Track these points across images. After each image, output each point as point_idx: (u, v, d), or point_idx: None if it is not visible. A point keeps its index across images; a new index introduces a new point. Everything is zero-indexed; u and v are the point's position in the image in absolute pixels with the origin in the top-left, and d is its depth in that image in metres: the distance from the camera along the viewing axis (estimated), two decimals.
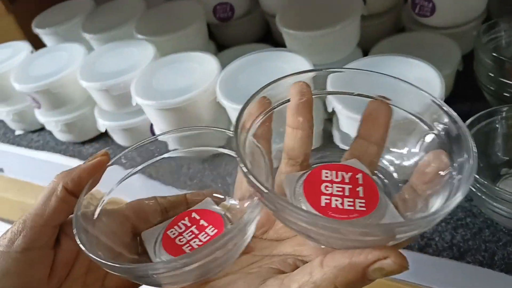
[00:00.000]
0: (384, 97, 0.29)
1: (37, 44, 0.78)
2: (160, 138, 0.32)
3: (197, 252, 0.24)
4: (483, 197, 0.42)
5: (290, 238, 0.29)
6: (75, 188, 0.28)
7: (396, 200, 0.27)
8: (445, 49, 0.57)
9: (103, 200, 0.30)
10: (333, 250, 0.23)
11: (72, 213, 0.30)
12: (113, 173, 0.31)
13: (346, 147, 0.33)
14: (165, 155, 0.33)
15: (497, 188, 0.40)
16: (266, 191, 0.22)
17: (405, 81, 0.29)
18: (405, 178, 0.29)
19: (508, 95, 0.51)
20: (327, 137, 0.33)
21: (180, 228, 0.30)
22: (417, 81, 0.30)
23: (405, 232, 0.22)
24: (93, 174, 0.29)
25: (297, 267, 0.26)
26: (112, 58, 0.63)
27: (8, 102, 0.73)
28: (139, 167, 0.32)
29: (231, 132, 0.32)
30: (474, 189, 0.42)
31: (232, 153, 0.33)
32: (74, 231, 0.26)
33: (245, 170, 0.23)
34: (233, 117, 0.52)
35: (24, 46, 0.76)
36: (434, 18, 0.61)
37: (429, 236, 0.47)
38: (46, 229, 0.28)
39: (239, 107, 0.48)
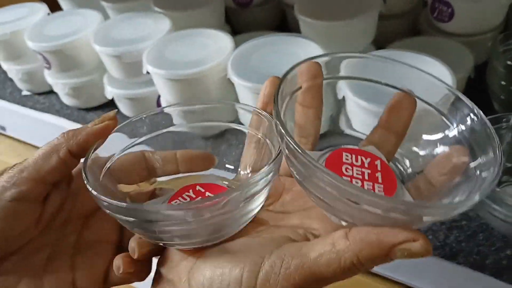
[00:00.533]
0: (409, 90, 0.29)
1: (54, 8, 0.78)
2: (166, 110, 0.32)
3: (205, 200, 0.23)
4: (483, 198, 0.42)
5: (297, 212, 0.29)
6: (79, 151, 0.28)
7: (410, 188, 0.28)
8: (459, 55, 0.57)
9: (107, 167, 0.29)
10: (348, 226, 0.23)
11: (69, 174, 0.30)
12: (117, 140, 0.30)
13: (352, 133, 0.33)
14: (170, 129, 0.33)
15: (498, 189, 0.40)
16: (301, 151, 0.22)
17: (426, 72, 0.29)
18: (419, 169, 0.29)
19: None
20: (333, 123, 0.33)
21: (185, 199, 0.30)
22: (429, 78, 0.30)
23: (433, 215, 0.22)
24: (99, 138, 0.29)
25: (308, 239, 0.26)
26: (128, 27, 0.64)
27: (19, 61, 0.73)
28: (143, 138, 0.32)
29: (238, 105, 0.32)
30: None
31: (239, 127, 0.33)
32: (85, 181, 0.25)
33: (281, 129, 0.23)
34: (242, 95, 0.52)
35: (41, 8, 0.76)
36: (451, 24, 0.61)
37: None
38: (40, 185, 0.28)
39: (249, 85, 0.49)
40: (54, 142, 0.28)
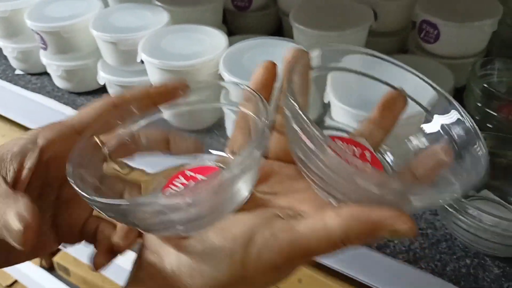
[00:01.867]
0: (401, 89, 0.31)
1: None
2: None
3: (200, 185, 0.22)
4: (449, 209, 0.44)
5: (285, 193, 0.29)
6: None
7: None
8: (440, 75, 0.60)
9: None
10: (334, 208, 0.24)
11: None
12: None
13: (335, 133, 0.35)
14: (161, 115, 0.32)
15: (464, 201, 0.42)
16: (312, 124, 0.22)
17: (417, 74, 0.31)
18: (403, 162, 0.30)
19: (490, 126, 0.54)
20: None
21: (177, 187, 0.29)
22: (409, 87, 0.32)
23: (422, 200, 0.22)
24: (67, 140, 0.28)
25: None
26: (127, 16, 0.65)
27: (16, 39, 0.74)
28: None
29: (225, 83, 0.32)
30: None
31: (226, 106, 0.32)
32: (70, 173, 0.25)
33: (293, 103, 0.23)
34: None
35: None
36: (436, 46, 0.64)
37: (389, 238, 0.49)
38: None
39: (239, 81, 0.50)
40: (33, 156, 0.28)
